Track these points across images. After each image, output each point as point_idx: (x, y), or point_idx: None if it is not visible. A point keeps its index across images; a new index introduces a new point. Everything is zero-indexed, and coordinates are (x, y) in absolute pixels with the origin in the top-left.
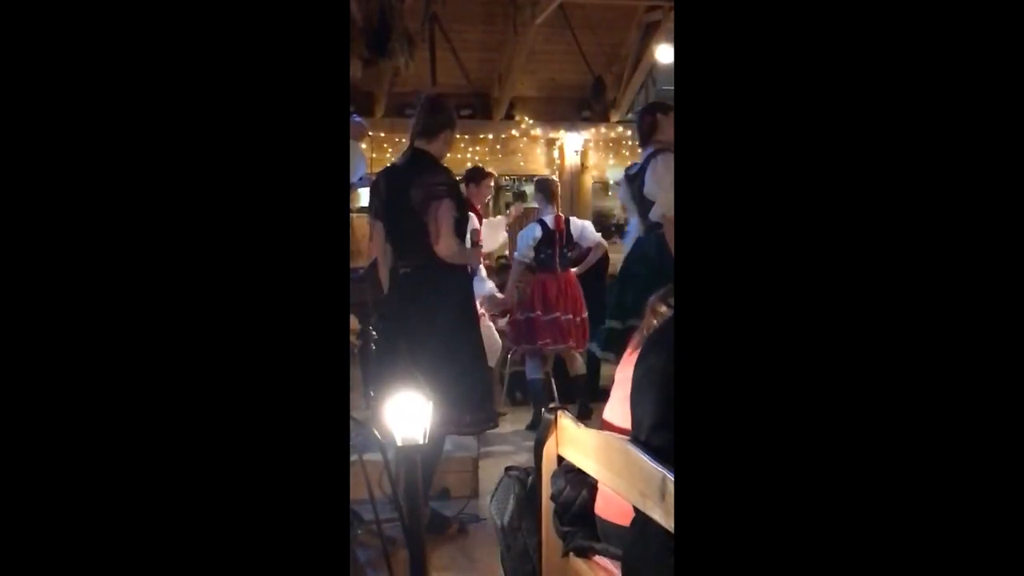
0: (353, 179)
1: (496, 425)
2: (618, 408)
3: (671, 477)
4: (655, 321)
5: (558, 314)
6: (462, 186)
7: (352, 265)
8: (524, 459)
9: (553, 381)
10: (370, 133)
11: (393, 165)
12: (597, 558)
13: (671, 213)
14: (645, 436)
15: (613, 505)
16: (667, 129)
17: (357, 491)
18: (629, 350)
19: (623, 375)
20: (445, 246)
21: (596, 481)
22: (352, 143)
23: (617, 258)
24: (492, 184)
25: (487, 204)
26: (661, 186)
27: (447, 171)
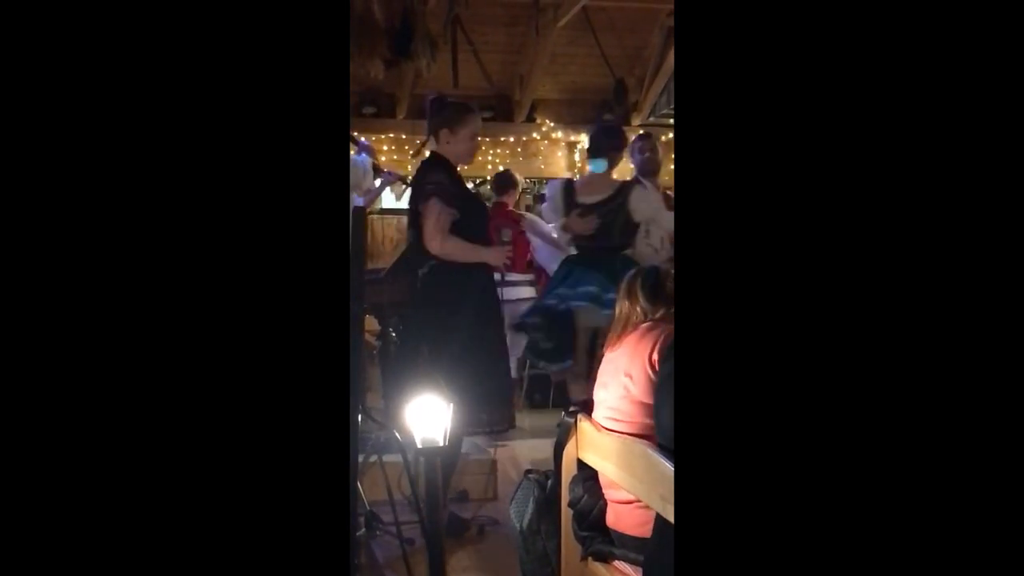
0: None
1: (512, 427)
2: (602, 411)
3: None
4: (638, 309)
5: None
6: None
7: (372, 266)
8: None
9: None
10: (391, 135)
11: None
12: (616, 563)
13: None
14: (666, 440)
15: (626, 518)
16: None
17: (377, 492)
18: (608, 347)
19: (606, 378)
20: (428, 241)
21: (605, 497)
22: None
23: None
24: (518, 188)
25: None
26: None
27: (443, 169)
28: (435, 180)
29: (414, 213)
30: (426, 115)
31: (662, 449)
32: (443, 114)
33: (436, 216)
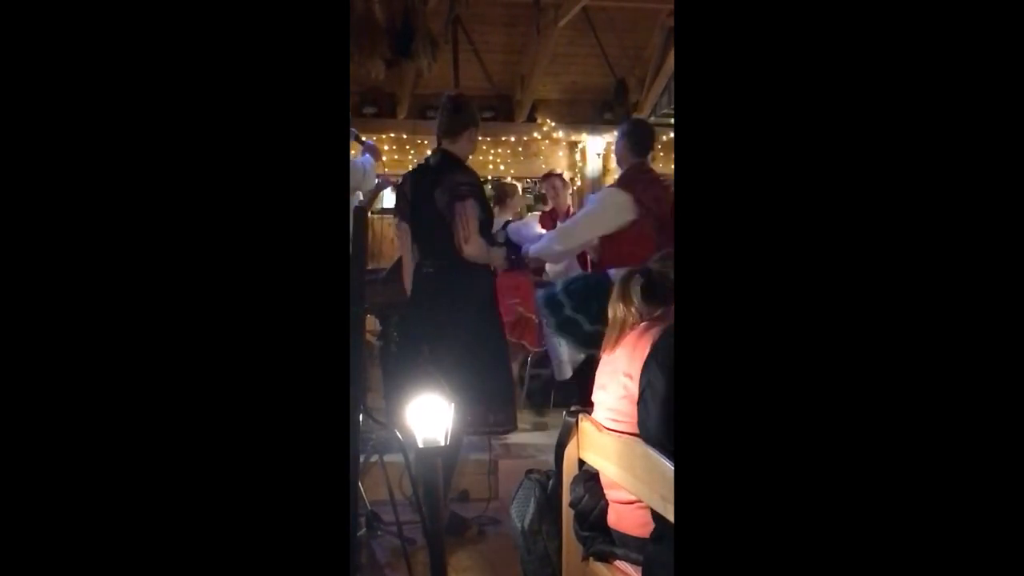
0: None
1: (514, 428)
2: (602, 412)
3: None
4: (633, 311)
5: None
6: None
7: (373, 266)
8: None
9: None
10: (392, 135)
11: (419, 166)
12: (617, 563)
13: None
14: (651, 444)
15: (627, 519)
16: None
17: (378, 492)
18: (605, 350)
19: (604, 380)
20: (473, 246)
21: (606, 497)
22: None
23: None
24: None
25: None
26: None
27: (471, 171)
28: (468, 181)
29: (433, 210)
30: (447, 113)
31: (660, 449)
32: (473, 113)
33: (475, 218)
